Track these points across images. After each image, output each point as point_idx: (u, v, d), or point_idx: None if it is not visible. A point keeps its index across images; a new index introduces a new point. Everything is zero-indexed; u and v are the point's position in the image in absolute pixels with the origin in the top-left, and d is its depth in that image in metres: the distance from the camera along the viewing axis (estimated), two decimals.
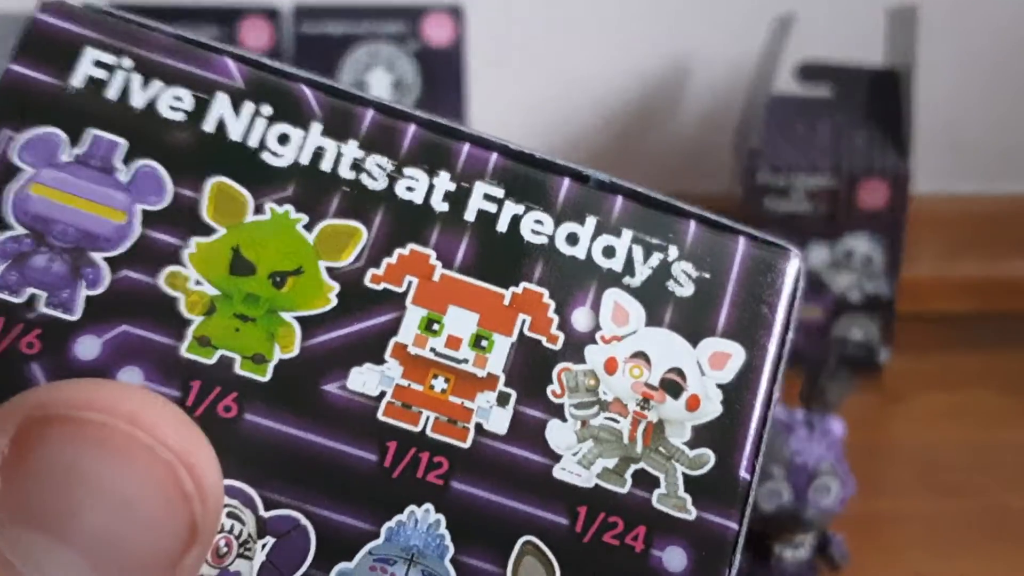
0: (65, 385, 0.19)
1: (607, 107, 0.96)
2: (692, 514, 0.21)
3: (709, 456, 0.21)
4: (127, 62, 0.22)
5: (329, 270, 0.21)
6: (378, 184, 0.22)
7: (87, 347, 0.20)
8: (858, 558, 0.64)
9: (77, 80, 0.22)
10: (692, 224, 0.23)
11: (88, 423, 0.18)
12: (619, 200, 0.23)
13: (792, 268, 0.23)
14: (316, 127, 0.22)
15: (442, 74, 0.81)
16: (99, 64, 0.22)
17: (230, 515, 0.20)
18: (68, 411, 0.18)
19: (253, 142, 0.22)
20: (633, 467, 0.21)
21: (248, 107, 0.22)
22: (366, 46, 0.81)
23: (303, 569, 0.20)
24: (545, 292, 0.22)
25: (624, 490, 0.21)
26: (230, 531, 0.20)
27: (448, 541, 0.20)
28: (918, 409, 0.84)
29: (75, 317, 0.21)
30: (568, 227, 0.22)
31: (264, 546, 0.20)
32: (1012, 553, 0.68)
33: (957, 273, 0.96)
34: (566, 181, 0.23)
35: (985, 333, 0.92)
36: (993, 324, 0.94)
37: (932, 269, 0.95)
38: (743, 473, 0.22)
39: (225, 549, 0.20)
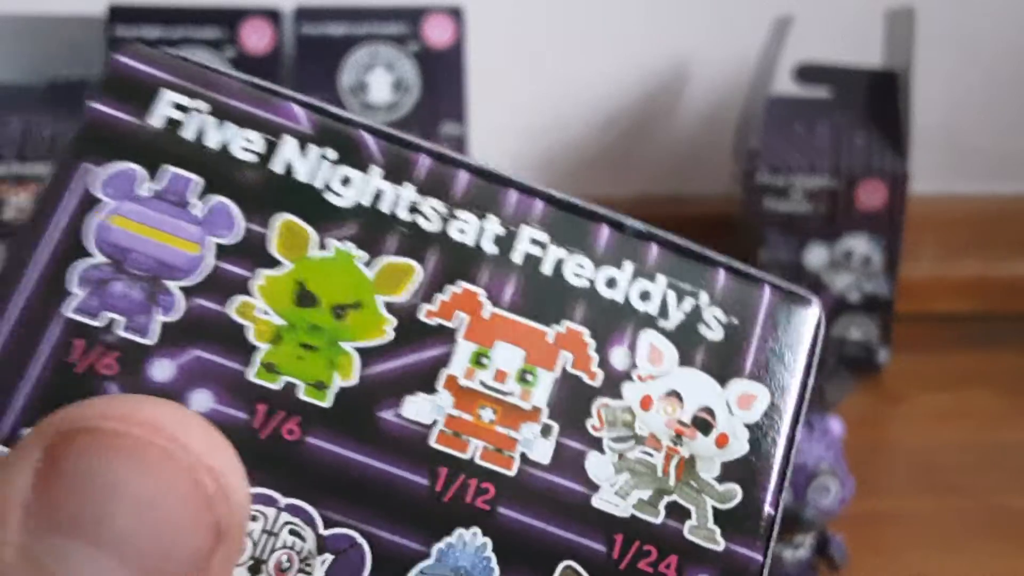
0: (93, 401, 0.20)
1: (607, 107, 0.96)
2: (721, 545, 0.23)
3: (736, 491, 0.23)
4: (202, 105, 0.24)
5: (386, 304, 0.23)
6: (433, 226, 0.24)
7: (161, 369, 0.22)
8: (857, 558, 0.64)
9: (156, 120, 0.23)
10: (721, 272, 0.25)
11: (110, 432, 0.19)
12: (654, 247, 0.25)
13: (812, 316, 0.25)
14: (376, 171, 0.24)
15: (442, 75, 0.81)
16: (176, 106, 0.23)
17: (292, 532, 0.21)
18: (93, 423, 0.19)
19: (318, 183, 0.23)
20: (666, 499, 0.23)
21: (314, 150, 0.24)
22: (367, 47, 0.81)
23: None
24: (586, 331, 0.24)
25: (658, 520, 0.23)
26: (291, 547, 0.21)
27: (494, 563, 0.22)
28: (917, 409, 0.84)
29: (151, 341, 0.22)
30: (607, 271, 0.24)
31: (323, 562, 0.21)
32: (1012, 553, 0.69)
33: (956, 273, 0.97)
34: (605, 228, 0.24)
35: (984, 333, 0.93)
36: (992, 324, 0.94)
37: (931, 269, 0.96)
38: (768, 508, 0.23)
39: (287, 564, 0.21)
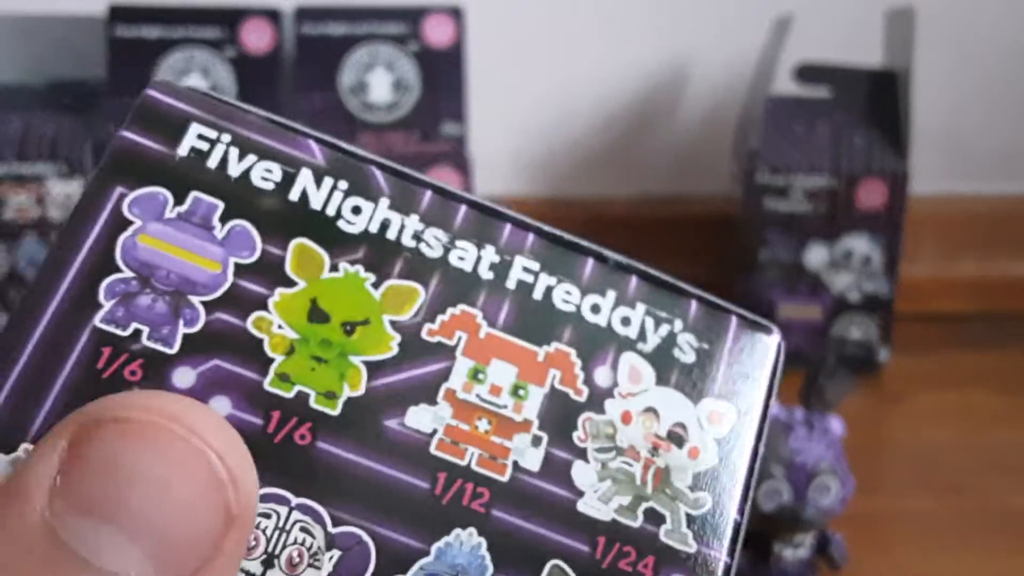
0: (115, 396, 0.21)
1: (607, 108, 0.96)
2: (693, 547, 0.25)
3: (707, 499, 0.25)
4: (226, 137, 0.26)
5: (392, 323, 0.25)
6: (434, 252, 0.26)
7: (183, 377, 0.24)
8: (857, 557, 0.65)
9: (183, 150, 0.25)
10: (693, 303, 0.27)
11: (130, 421, 0.20)
12: (633, 279, 0.27)
13: (773, 343, 0.27)
14: (384, 202, 0.26)
15: (442, 75, 0.82)
16: (201, 137, 0.26)
17: (302, 529, 0.23)
18: (114, 413, 0.21)
19: (331, 211, 0.26)
20: (644, 505, 0.25)
21: (327, 182, 0.26)
22: (367, 47, 0.82)
23: None
24: (573, 352, 0.26)
25: (636, 524, 0.25)
26: (302, 543, 0.23)
27: (488, 561, 0.24)
28: (917, 408, 0.85)
29: (173, 351, 0.24)
30: (592, 298, 0.27)
31: (331, 558, 0.23)
32: (1011, 552, 0.69)
33: (956, 273, 0.98)
34: (590, 260, 0.27)
35: (983, 333, 0.94)
36: (991, 324, 0.95)
37: (931, 269, 0.97)
38: (735, 514, 0.25)
39: (298, 559, 0.23)
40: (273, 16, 0.82)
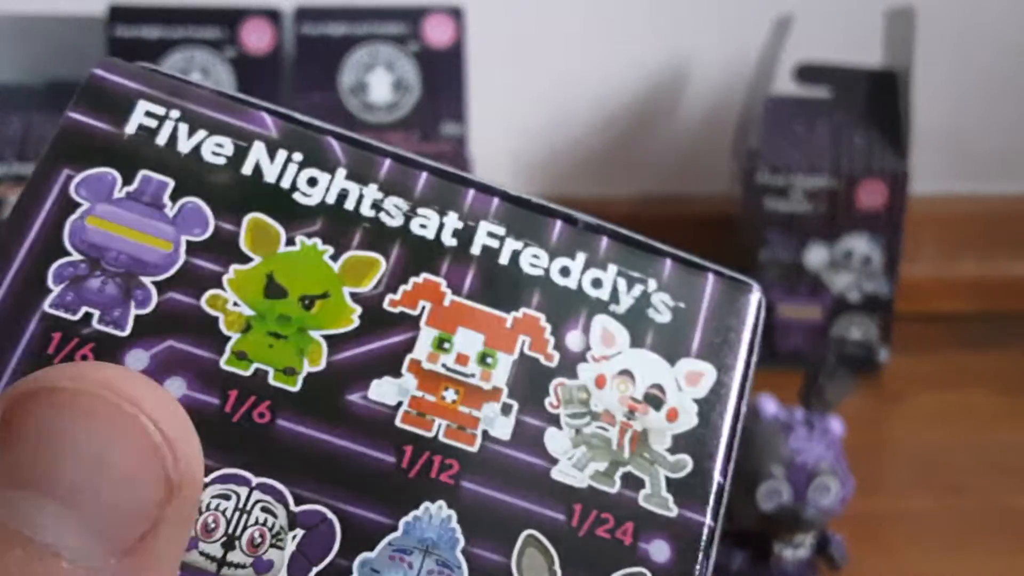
0: (49, 368, 0.21)
1: (607, 108, 0.96)
2: (674, 512, 0.24)
3: (687, 461, 0.24)
4: (175, 113, 0.25)
5: (352, 295, 0.24)
6: (395, 222, 0.25)
7: (136, 359, 0.23)
8: (857, 557, 0.65)
9: (130, 128, 0.25)
10: (668, 262, 0.26)
11: (63, 391, 0.20)
12: (604, 240, 0.26)
13: (754, 300, 0.26)
14: (341, 172, 0.25)
15: (442, 75, 0.82)
16: (149, 114, 0.25)
17: (264, 509, 0.22)
18: (46, 384, 0.20)
19: (286, 184, 0.25)
20: (621, 470, 0.24)
21: (281, 154, 0.25)
22: (367, 47, 0.82)
23: (329, 558, 0.22)
24: (542, 316, 0.25)
25: (614, 490, 0.24)
26: (263, 524, 0.22)
27: (459, 534, 0.23)
28: (917, 408, 0.85)
29: (125, 333, 0.23)
30: (561, 261, 0.26)
31: (294, 537, 0.22)
32: (1011, 552, 0.69)
33: (955, 273, 0.97)
34: (558, 223, 0.26)
35: (983, 333, 0.93)
36: (991, 324, 0.95)
37: (931, 269, 0.96)
38: (717, 476, 0.24)
39: (260, 540, 0.22)
40: (273, 16, 0.82)
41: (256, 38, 0.81)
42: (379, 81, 0.82)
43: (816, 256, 0.86)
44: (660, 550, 0.24)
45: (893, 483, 0.76)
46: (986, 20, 0.96)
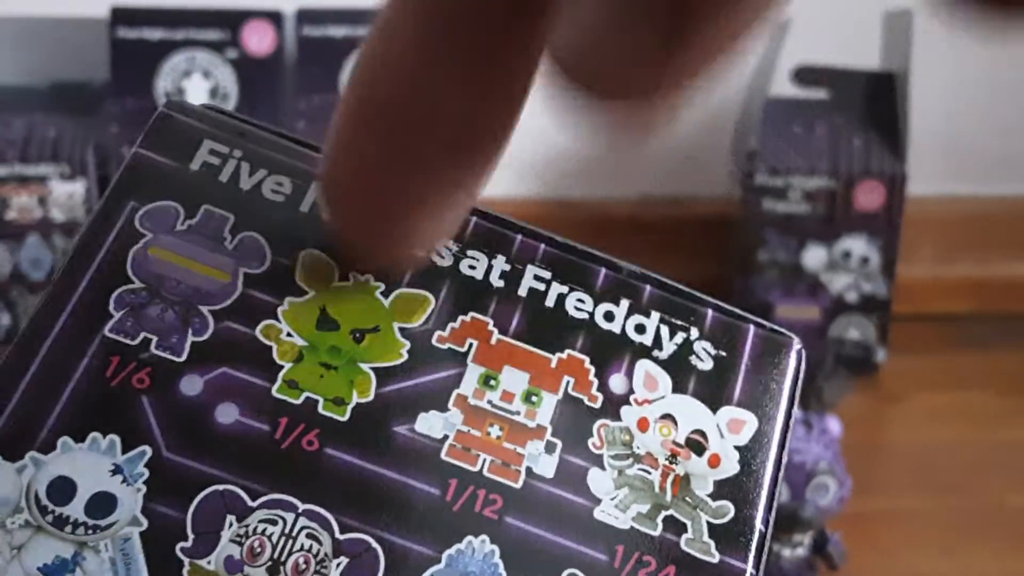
0: None
1: None
2: (716, 558, 0.24)
3: (729, 508, 0.25)
4: (237, 152, 0.26)
5: (402, 330, 0.25)
6: (445, 262, 0.26)
7: (191, 385, 0.24)
8: (855, 557, 0.65)
9: (195, 165, 0.26)
10: (710, 311, 0.27)
11: None
12: (648, 288, 0.27)
13: (794, 352, 0.27)
14: None
15: None
16: (213, 153, 0.26)
17: (309, 536, 0.22)
18: None
19: None
20: (664, 513, 0.24)
21: None
22: None
23: None
24: (586, 359, 0.25)
25: (656, 533, 0.24)
26: (308, 550, 0.22)
27: (502, 569, 0.23)
28: (915, 409, 0.85)
29: (182, 359, 0.24)
30: (605, 306, 0.26)
31: (339, 565, 0.22)
32: (1009, 552, 0.69)
33: (953, 274, 0.98)
34: (603, 270, 0.27)
35: (981, 333, 0.94)
36: (989, 324, 0.95)
37: (928, 270, 0.96)
38: (759, 525, 0.25)
39: (304, 566, 0.22)
40: (275, 18, 0.83)
41: (257, 40, 0.82)
42: None
43: (814, 257, 0.87)
44: None
45: (890, 483, 0.76)
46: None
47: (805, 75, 0.88)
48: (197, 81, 0.80)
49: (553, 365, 0.25)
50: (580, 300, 0.26)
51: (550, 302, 0.26)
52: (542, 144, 0.98)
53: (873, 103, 0.88)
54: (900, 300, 0.89)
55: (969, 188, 1.01)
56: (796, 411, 0.26)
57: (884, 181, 0.85)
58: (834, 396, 0.65)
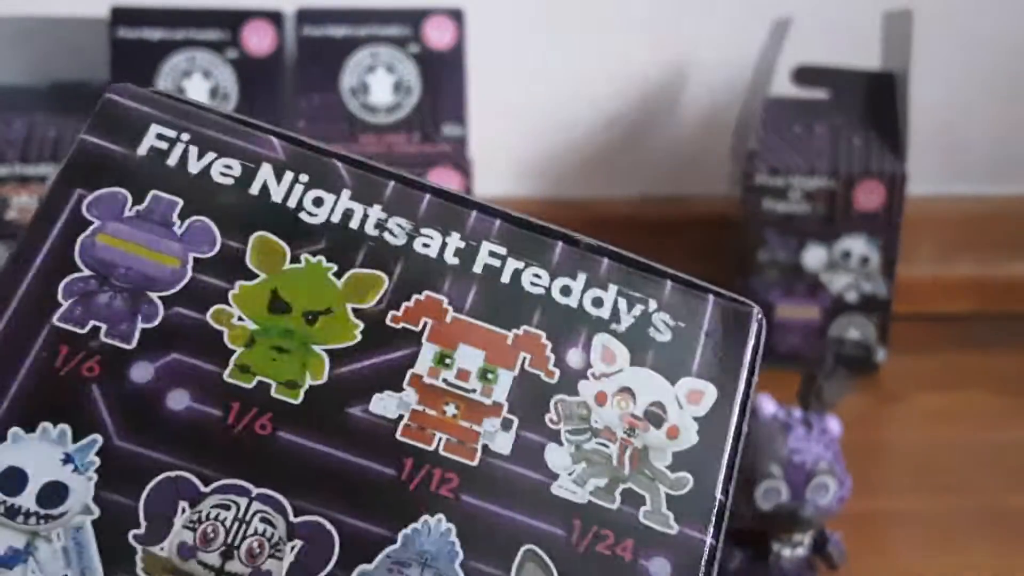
0: None
1: (607, 110, 0.96)
2: (675, 529, 0.24)
3: (688, 479, 0.24)
4: (185, 136, 0.26)
5: (355, 311, 0.25)
6: (398, 241, 0.26)
7: (141, 372, 0.23)
8: (855, 556, 0.64)
9: (143, 150, 0.25)
10: (668, 283, 0.26)
11: None
12: (605, 261, 0.26)
13: (755, 322, 0.27)
14: (346, 193, 0.26)
15: (443, 76, 0.82)
16: (161, 137, 0.26)
17: (263, 520, 0.22)
18: None
19: (292, 204, 0.26)
20: (622, 486, 0.24)
21: (288, 176, 0.26)
22: (368, 48, 0.82)
23: (327, 570, 0.22)
24: (543, 334, 0.25)
25: (614, 506, 0.24)
26: (262, 534, 0.22)
27: (458, 548, 0.23)
28: (915, 409, 0.84)
29: (131, 346, 0.23)
30: (562, 281, 0.26)
31: (293, 548, 0.22)
32: (1009, 552, 0.69)
33: (953, 273, 0.97)
34: (560, 244, 0.26)
35: (981, 333, 0.93)
36: (989, 324, 0.94)
37: (928, 269, 0.96)
38: (719, 495, 0.24)
39: (258, 550, 0.22)
40: (275, 18, 0.82)
41: (257, 40, 0.81)
42: (380, 83, 0.82)
43: (814, 257, 0.87)
44: (660, 567, 0.24)
45: (890, 483, 0.76)
46: (983, 22, 0.96)
47: (805, 75, 0.87)
48: (197, 81, 0.80)
49: (509, 342, 0.25)
50: (536, 275, 0.26)
51: (505, 278, 0.26)
52: (542, 144, 0.99)
53: (873, 103, 0.87)
54: (900, 300, 0.88)
55: (969, 188, 1.01)
56: (755, 380, 0.26)
57: (884, 181, 0.85)
58: (834, 396, 0.64)
